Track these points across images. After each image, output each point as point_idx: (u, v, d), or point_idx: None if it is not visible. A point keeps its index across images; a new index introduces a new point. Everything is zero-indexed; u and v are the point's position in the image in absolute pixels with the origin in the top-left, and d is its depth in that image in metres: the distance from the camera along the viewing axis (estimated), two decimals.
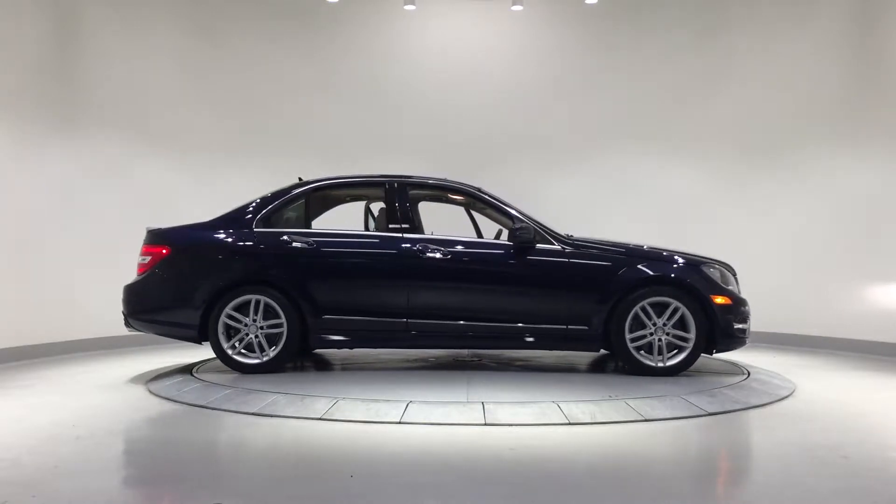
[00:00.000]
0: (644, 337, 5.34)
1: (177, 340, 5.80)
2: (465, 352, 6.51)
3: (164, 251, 5.53)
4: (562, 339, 5.42)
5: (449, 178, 5.94)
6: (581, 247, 5.50)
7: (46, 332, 6.83)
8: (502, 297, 5.47)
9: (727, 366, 6.00)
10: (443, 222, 6.12)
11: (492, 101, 8.69)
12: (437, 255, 5.42)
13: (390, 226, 5.58)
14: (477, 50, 8.77)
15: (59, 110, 7.10)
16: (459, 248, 5.50)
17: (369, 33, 8.73)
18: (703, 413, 4.41)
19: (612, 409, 4.37)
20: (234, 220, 5.61)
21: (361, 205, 6.38)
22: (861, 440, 3.94)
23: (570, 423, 4.12)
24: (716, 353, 5.54)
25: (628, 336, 5.32)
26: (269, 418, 4.27)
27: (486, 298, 5.47)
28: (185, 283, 5.51)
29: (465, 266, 5.49)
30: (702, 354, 5.43)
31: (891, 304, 7.23)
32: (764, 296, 6.64)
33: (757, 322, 5.80)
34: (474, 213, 6.14)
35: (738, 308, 5.43)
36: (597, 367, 5.99)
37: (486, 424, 4.08)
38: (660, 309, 5.34)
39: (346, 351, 6.43)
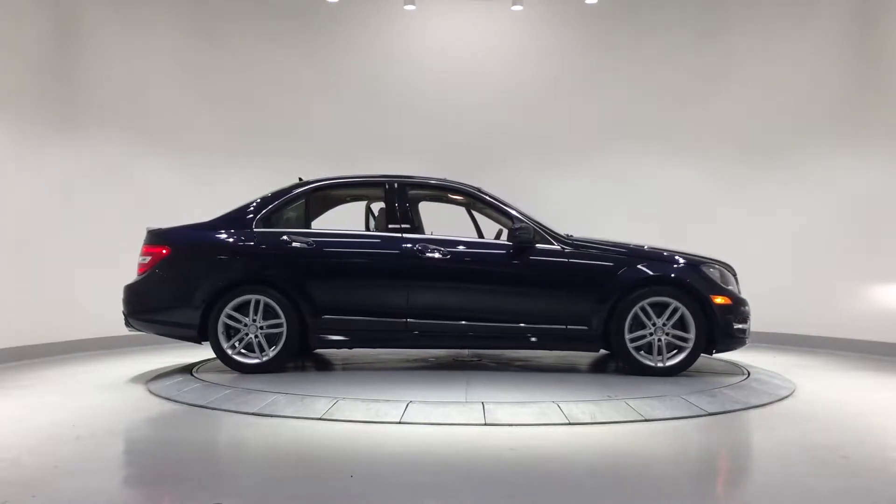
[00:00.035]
0: (644, 337, 5.33)
1: (177, 340, 5.81)
2: (465, 352, 6.51)
3: (164, 251, 5.53)
4: (561, 339, 5.42)
5: (449, 178, 5.94)
6: (580, 247, 5.50)
7: (46, 332, 6.83)
8: (501, 297, 5.47)
9: (727, 366, 6.00)
10: (443, 222, 6.13)
11: (492, 101, 8.69)
12: (437, 255, 5.42)
13: (390, 226, 5.58)
14: (477, 50, 8.77)
15: (59, 110, 7.10)
16: (459, 248, 5.50)
17: (369, 33, 8.73)
18: (703, 413, 4.41)
19: (612, 409, 4.37)
20: (234, 220, 5.61)
21: (361, 205, 6.38)
22: (861, 440, 3.94)
23: (570, 423, 4.12)
24: (716, 353, 5.54)
25: (628, 336, 5.32)
26: (269, 418, 4.27)
27: (486, 298, 5.47)
28: (185, 283, 5.51)
29: (465, 266, 5.49)
30: (702, 354, 5.43)
31: (891, 304, 7.23)
32: (764, 296, 6.63)
33: (757, 322, 5.79)
34: (475, 213, 6.14)
35: (737, 308, 5.43)
36: (597, 368, 5.99)
37: (486, 424, 4.08)
38: (659, 309, 5.34)
39: (346, 351, 6.43)
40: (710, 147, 8.42)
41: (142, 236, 5.70)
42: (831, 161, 7.78)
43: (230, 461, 3.68)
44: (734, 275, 5.71)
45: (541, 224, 5.56)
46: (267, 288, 5.40)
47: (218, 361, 5.52)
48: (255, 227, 5.56)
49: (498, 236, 5.87)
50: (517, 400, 4.49)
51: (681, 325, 5.34)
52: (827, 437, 3.98)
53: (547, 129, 8.71)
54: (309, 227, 5.77)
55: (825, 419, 4.44)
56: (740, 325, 5.41)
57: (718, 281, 5.47)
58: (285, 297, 5.38)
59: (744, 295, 5.63)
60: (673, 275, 5.40)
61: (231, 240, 5.54)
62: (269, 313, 5.40)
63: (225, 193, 6.96)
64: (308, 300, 5.39)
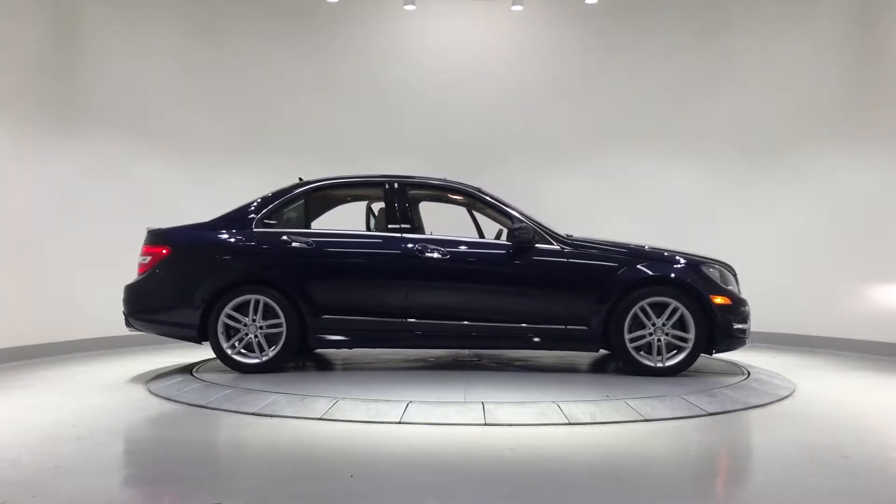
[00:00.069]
0: (643, 337, 5.33)
1: (177, 340, 5.81)
2: (465, 352, 6.51)
3: (164, 251, 5.53)
4: (561, 339, 5.41)
5: (449, 178, 5.95)
6: (580, 247, 5.50)
7: (46, 332, 6.83)
8: (500, 297, 5.47)
9: (727, 366, 6.00)
10: (444, 222, 6.13)
11: (492, 101, 8.69)
12: (436, 255, 5.42)
13: (390, 226, 5.58)
14: (477, 50, 8.77)
15: (59, 110, 7.10)
16: (458, 248, 5.50)
17: (369, 33, 8.73)
18: (703, 413, 4.41)
19: (612, 409, 4.37)
20: (234, 220, 5.61)
21: (362, 205, 6.38)
22: (861, 440, 3.94)
23: (570, 423, 4.12)
24: (715, 353, 5.53)
25: (627, 336, 5.32)
26: (269, 418, 4.27)
27: (485, 298, 5.47)
28: (185, 283, 5.51)
29: (464, 266, 5.49)
30: (702, 354, 5.43)
31: (891, 304, 7.23)
32: (764, 296, 6.63)
33: (757, 322, 5.79)
34: (476, 214, 6.14)
35: (737, 308, 5.42)
36: (597, 368, 5.99)
37: (486, 424, 4.08)
38: (659, 309, 5.33)
39: (346, 351, 6.43)
40: (710, 147, 8.42)
41: (142, 236, 5.70)
42: (831, 161, 7.78)
43: (230, 461, 3.68)
44: (734, 275, 5.71)
45: (540, 224, 5.56)
46: (267, 288, 5.40)
47: (218, 361, 5.52)
48: (255, 227, 5.56)
49: (498, 236, 5.87)
50: (517, 400, 4.49)
51: (680, 325, 5.34)
52: (827, 437, 3.98)
53: (547, 129, 8.71)
54: (309, 227, 5.77)
55: (825, 419, 4.44)
56: (740, 325, 5.41)
57: (718, 281, 5.46)
58: (285, 297, 5.38)
59: (744, 295, 5.62)
60: (673, 275, 5.40)
61: (231, 240, 5.54)
62: (268, 313, 5.40)
63: (225, 193, 6.96)
64: (308, 300, 5.39)
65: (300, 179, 5.88)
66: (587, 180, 8.66)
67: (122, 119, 7.62)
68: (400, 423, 4.12)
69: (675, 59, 8.49)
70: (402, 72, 8.72)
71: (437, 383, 5.03)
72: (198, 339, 5.51)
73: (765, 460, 3.69)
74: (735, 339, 5.41)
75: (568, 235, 5.59)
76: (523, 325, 5.40)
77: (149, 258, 5.55)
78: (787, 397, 4.99)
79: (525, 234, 5.40)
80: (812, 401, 4.95)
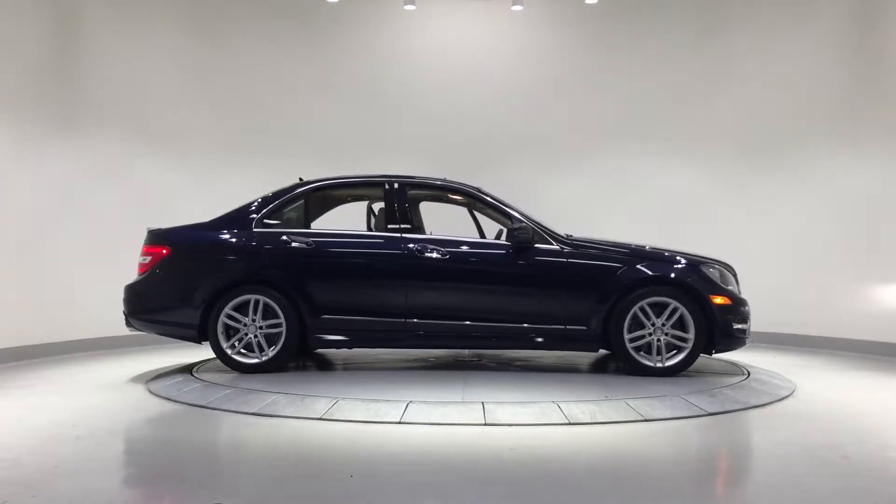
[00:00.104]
0: (643, 337, 5.33)
1: (177, 340, 5.81)
2: (465, 352, 6.51)
3: (164, 251, 5.53)
4: (560, 339, 5.41)
5: (449, 178, 5.95)
6: (580, 247, 5.50)
7: (46, 332, 6.83)
8: (500, 297, 5.47)
9: (727, 366, 6.00)
10: (444, 222, 6.13)
11: (492, 101, 8.69)
12: (435, 255, 5.42)
13: (390, 226, 5.58)
14: (477, 50, 8.77)
15: (59, 110, 7.10)
16: (458, 248, 5.50)
17: (369, 33, 8.73)
18: (703, 413, 4.41)
19: (612, 409, 4.37)
20: (234, 220, 5.62)
21: (362, 205, 6.38)
22: (861, 440, 3.94)
23: (570, 423, 4.12)
24: (715, 353, 5.53)
25: (627, 336, 5.32)
26: (269, 418, 4.27)
27: (484, 298, 5.47)
28: (185, 283, 5.52)
29: (463, 266, 5.49)
30: (701, 354, 5.43)
31: (891, 304, 7.23)
32: (764, 296, 6.63)
33: (757, 322, 5.79)
34: (476, 214, 6.14)
35: (737, 308, 5.42)
36: (597, 368, 5.99)
37: (485, 424, 4.08)
38: (659, 309, 5.33)
39: (346, 351, 6.44)
40: (710, 147, 8.42)
41: (142, 236, 5.70)
42: (831, 161, 7.78)
43: (230, 461, 3.68)
44: (734, 275, 5.70)
45: (540, 224, 5.56)
46: (266, 288, 5.40)
47: (218, 361, 5.53)
48: (255, 227, 5.56)
49: (499, 236, 5.86)
50: (517, 400, 4.49)
51: (680, 325, 5.33)
52: (827, 437, 3.98)
53: (547, 129, 8.71)
54: (309, 227, 5.77)
55: (825, 419, 4.44)
56: (740, 325, 5.41)
57: (718, 281, 5.46)
58: (285, 297, 5.38)
59: (744, 295, 5.62)
60: (672, 275, 5.40)
61: (231, 240, 5.54)
62: (268, 313, 5.40)
63: (225, 193, 6.96)
64: (308, 300, 5.39)
65: (300, 179, 5.88)
66: (587, 180, 8.66)
67: (122, 119, 7.62)
68: (400, 423, 4.12)
69: (675, 59, 8.49)
70: (402, 72, 8.72)
71: (437, 383, 5.03)
72: (198, 339, 5.51)
73: (765, 460, 3.69)
74: (735, 339, 5.40)
75: (568, 235, 5.59)
76: (524, 325, 5.40)
77: (149, 258, 5.56)
78: (787, 397, 4.99)
79: (525, 234, 5.40)
80: (812, 401, 4.95)
